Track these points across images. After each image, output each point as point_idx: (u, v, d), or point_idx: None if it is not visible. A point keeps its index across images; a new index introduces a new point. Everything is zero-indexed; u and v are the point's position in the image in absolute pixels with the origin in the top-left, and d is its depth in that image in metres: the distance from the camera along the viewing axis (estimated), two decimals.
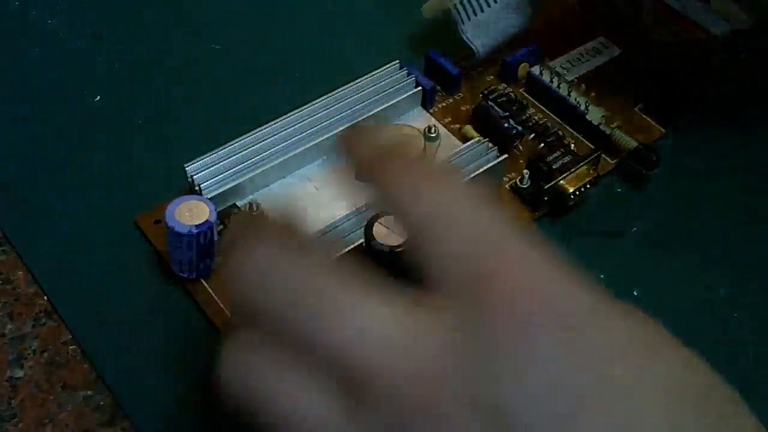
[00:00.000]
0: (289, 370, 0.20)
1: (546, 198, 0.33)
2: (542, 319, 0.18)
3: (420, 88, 0.36)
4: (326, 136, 0.33)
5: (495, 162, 0.33)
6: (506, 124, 0.35)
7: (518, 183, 0.34)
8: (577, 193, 0.33)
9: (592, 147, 0.35)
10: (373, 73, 0.35)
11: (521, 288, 0.19)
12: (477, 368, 0.18)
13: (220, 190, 0.32)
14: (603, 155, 0.34)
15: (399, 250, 0.27)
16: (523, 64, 0.38)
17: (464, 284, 0.19)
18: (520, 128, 0.35)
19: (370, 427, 0.19)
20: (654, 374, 0.19)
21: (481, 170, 0.32)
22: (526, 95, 0.37)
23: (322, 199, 0.33)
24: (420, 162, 0.23)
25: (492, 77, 0.38)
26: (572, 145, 0.35)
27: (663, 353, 0.19)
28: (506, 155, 0.33)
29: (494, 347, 0.18)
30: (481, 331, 0.18)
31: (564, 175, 0.33)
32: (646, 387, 0.18)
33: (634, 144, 0.35)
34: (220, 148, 0.32)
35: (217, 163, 0.32)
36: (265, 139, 0.33)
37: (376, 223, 0.28)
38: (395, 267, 0.24)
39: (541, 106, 0.37)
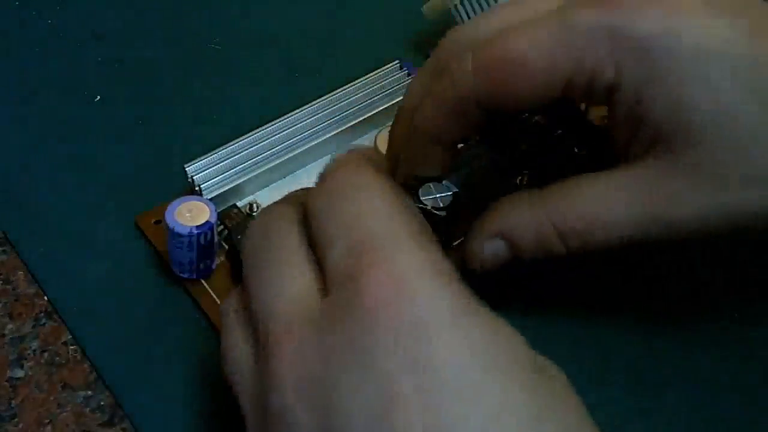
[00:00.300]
0: (238, 317, 0.24)
1: None
2: (392, 323, 0.20)
3: None
4: (326, 136, 0.33)
5: (494, 162, 0.33)
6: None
7: (517, 183, 0.34)
8: None
9: (592, 147, 0.35)
10: (373, 73, 0.35)
11: (382, 290, 0.20)
12: (321, 351, 0.21)
13: (220, 191, 0.32)
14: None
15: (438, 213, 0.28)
16: None
17: (341, 279, 0.21)
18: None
19: (265, 374, 0.22)
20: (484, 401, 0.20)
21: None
22: None
23: None
24: (339, 162, 0.25)
25: None
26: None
27: (495, 383, 0.20)
28: (506, 155, 0.33)
29: (341, 338, 0.20)
30: (338, 323, 0.21)
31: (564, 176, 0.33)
32: (475, 408, 0.19)
33: None
34: (220, 148, 0.32)
35: (217, 164, 0.32)
36: (265, 139, 0.33)
37: (424, 186, 0.28)
38: (435, 228, 0.26)
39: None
